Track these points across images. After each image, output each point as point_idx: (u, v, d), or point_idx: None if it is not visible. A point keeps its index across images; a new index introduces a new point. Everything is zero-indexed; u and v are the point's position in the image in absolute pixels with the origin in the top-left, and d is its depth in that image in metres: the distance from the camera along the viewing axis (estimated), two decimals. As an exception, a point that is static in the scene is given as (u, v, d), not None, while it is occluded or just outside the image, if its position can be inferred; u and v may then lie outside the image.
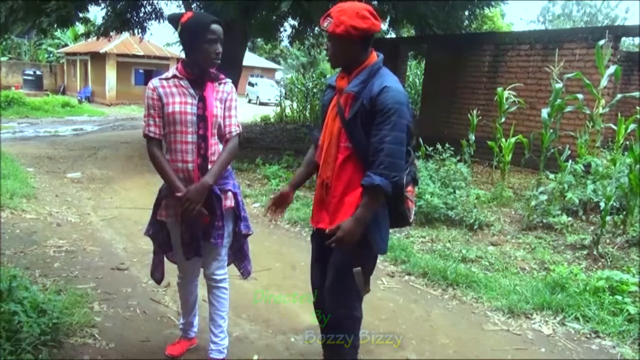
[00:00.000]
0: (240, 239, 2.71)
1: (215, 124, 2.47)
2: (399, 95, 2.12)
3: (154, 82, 2.48)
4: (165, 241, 2.66)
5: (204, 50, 2.37)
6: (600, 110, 6.30)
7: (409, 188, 2.28)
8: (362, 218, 2.12)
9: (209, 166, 2.45)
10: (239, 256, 2.79)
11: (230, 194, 2.56)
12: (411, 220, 2.38)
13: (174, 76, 2.47)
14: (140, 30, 11.97)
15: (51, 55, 29.90)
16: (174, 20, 2.45)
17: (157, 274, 2.77)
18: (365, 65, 2.20)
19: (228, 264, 2.73)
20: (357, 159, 2.19)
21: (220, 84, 2.52)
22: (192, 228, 2.50)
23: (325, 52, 26.96)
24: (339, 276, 2.26)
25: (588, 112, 6.46)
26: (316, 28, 12.64)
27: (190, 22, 2.38)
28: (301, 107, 17.78)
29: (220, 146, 2.53)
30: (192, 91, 2.45)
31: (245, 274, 2.82)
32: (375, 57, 2.24)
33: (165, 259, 2.77)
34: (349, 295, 2.29)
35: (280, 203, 2.51)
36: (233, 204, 2.58)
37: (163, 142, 2.52)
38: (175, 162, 2.46)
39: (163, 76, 2.51)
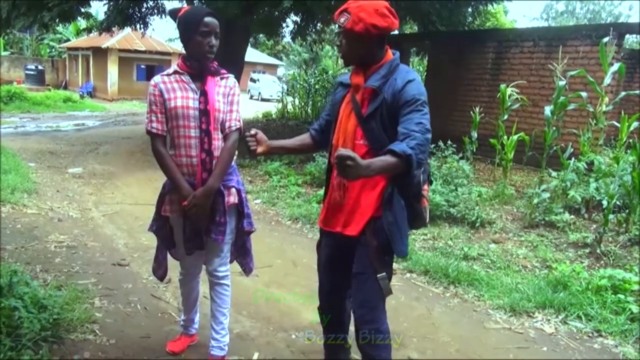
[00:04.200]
0: (243, 235, 2.70)
1: (218, 118, 2.48)
2: (423, 89, 2.09)
3: (156, 78, 2.50)
4: (168, 237, 2.66)
5: (197, 43, 2.38)
6: (604, 108, 6.26)
7: (425, 187, 2.24)
8: (372, 168, 1.86)
9: (214, 161, 2.46)
10: (242, 253, 2.77)
11: (233, 190, 2.56)
12: (427, 220, 2.31)
13: (175, 72, 2.49)
14: (142, 26, 11.94)
15: (53, 50, 29.86)
16: (173, 14, 2.49)
17: (160, 271, 2.76)
18: (383, 62, 2.15)
19: (231, 261, 2.72)
20: (374, 156, 2.07)
21: (222, 78, 2.53)
22: (195, 224, 2.50)
23: (328, 48, 26.97)
24: (365, 286, 2.20)
25: (591, 109, 6.42)
26: (318, 24, 12.61)
27: (185, 14, 2.41)
28: (303, 104, 17.74)
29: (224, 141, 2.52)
30: (193, 86, 2.46)
31: (247, 271, 2.81)
32: (391, 54, 2.19)
33: (168, 255, 2.76)
34: (376, 308, 2.20)
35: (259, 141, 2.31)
36: (236, 201, 2.57)
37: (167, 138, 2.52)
38: (180, 157, 2.47)
39: (165, 72, 2.52)
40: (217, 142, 2.48)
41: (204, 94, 2.45)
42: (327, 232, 2.32)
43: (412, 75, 2.12)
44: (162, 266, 2.75)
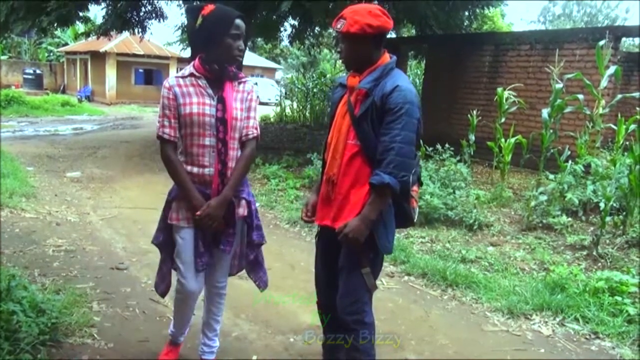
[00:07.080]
0: (254, 248, 2.60)
1: (236, 126, 2.36)
2: (410, 95, 2.14)
3: (170, 80, 2.35)
4: (172, 251, 2.50)
5: (226, 46, 2.25)
6: (600, 111, 6.29)
7: (414, 187, 2.30)
8: (369, 216, 2.12)
9: (229, 172, 2.36)
10: (255, 267, 2.67)
11: (244, 202, 2.47)
12: (415, 219, 2.39)
13: (191, 74, 2.34)
14: (140, 30, 11.96)
15: (51, 54, 29.87)
16: (193, 11, 2.30)
17: (163, 286, 2.61)
18: (378, 64, 2.22)
19: (233, 273, 2.67)
20: (364, 156, 2.20)
21: (239, 83, 2.41)
22: (208, 237, 2.39)
23: (327, 51, 27.02)
24: (349, 279, 2.26)
25: (588, 112, 6.45)
26: (316, 28, 12.64)
27: (214, 14, 2.25)
28: (301, 107, 17.77)
29: (239, 151, 2.43)
30: (210, 91, 2.32)
31: (261, 284, 2.69)
32: (388, 57, 2.26)
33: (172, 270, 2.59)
34: (359, 300, 2.26)
35: (313, 212, 2.48)
36: (245, 213, 2.48)
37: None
38: (192, 165, 2.35)
39: (179, 74, 2.37)
40: (233, 152, 2.38)
41: (221, 100, 2.31)
42: (321, 226, 2.40)
43: (402, 80, 2.18)
44: (165, 281, 2.61)
